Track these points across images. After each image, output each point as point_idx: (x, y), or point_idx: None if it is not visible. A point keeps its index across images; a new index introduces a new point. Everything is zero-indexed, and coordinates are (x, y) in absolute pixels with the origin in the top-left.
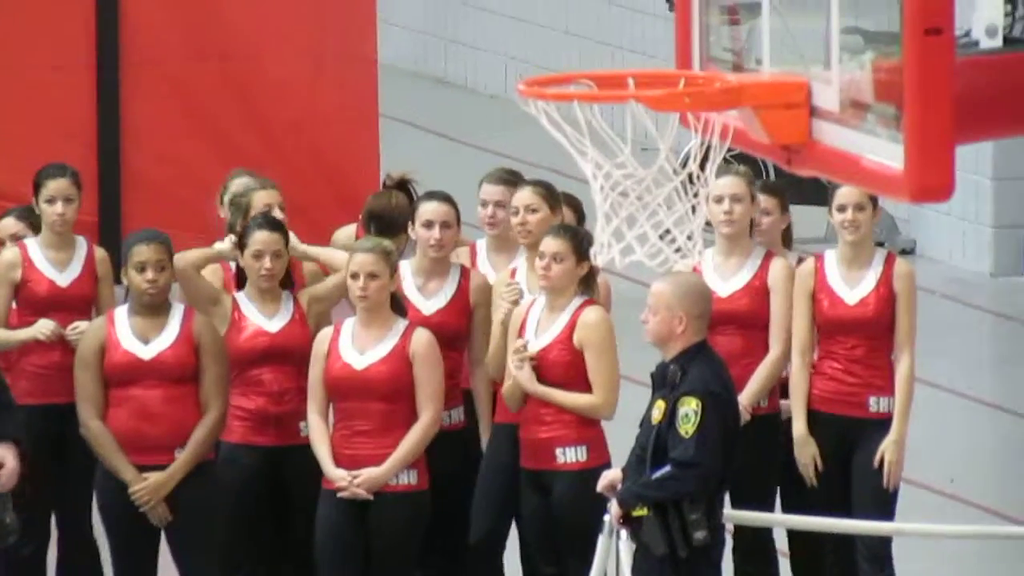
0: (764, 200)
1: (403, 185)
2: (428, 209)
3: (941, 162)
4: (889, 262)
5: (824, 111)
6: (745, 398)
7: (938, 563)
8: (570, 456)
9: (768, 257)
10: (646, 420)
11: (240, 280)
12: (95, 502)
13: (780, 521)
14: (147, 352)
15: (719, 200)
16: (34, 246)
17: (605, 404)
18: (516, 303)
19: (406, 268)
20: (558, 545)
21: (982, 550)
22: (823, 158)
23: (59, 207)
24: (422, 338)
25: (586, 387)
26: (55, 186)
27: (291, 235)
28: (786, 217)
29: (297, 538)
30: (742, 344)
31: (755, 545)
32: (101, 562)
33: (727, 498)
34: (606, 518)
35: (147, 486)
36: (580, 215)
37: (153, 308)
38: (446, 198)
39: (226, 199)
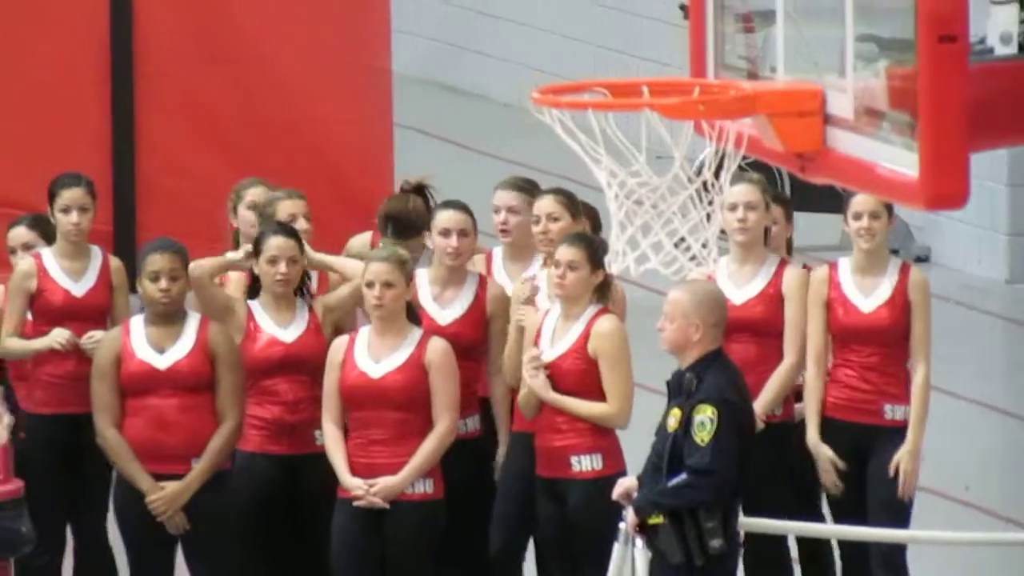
0: (772, 209)
1: (420, 190)
2: (445, 217)
3: (956, 169)
4: (904, 271)
5: (838, 119)
6: (759, 406)
7: (953, 570)
8: (585, 464)
9: (782, 265)
10: (662, 428)
11: (254, 289)
12: (111, 511)
13: (794, 529)
14: (163, 362)
15: (733, 208)
16: (49, 256)
17: (619, 413)
18: (531, 301)
19: (423, 277)
20: (574, 553)
21: (997, 557)
22: (837, 166)
23: (74, 216)
24: (438, 347)
25: (601, 395)
26: (70, 195)
27: (307, 244)
28: (790, 227)
29: (313, 546)
30: (756, 352)
31: (769, 553)
32: (117, 571)
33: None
34: (622, 526)
35: (164, 495)
36: (596, 224)
37: (167, 317)
38: (463, 207)
39: (239, 207)
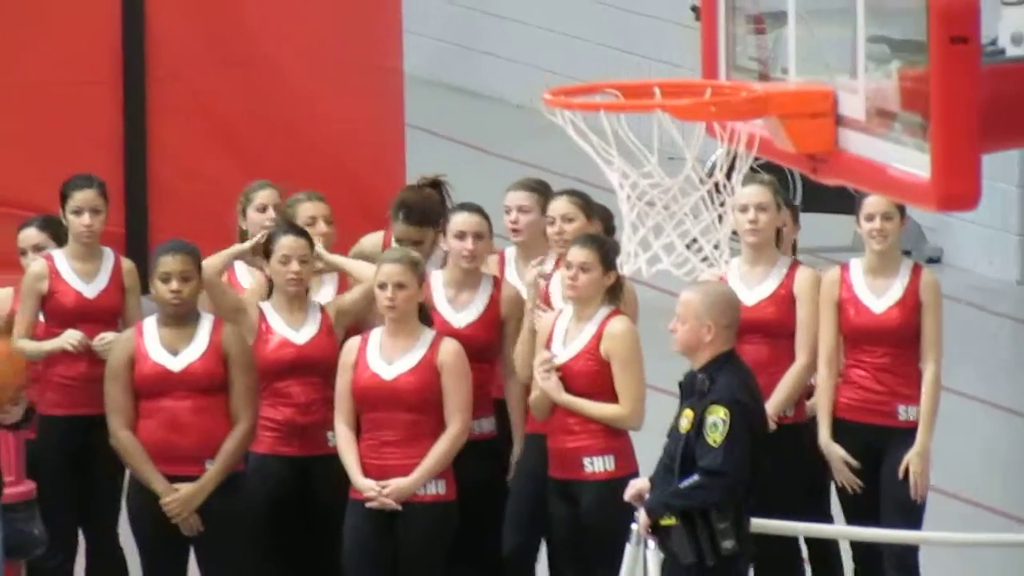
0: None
1: (436, 185)
2: (460, 220)
3: (967, 170)
4: (916, 272)
5: (850, 120)
6: (771, 407)
7: (965, 572)
8: (598, 465)
9: (794, 266)
10: (674, 429)
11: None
12: (124, 513)
13: (805, 530)
14: (176, 364)
15: (744, 209)
16: (61, 257)
17: (632, 415)
18: (543, 275)
19: (437, 279)
20: (585, 554)
21: (1009, 558)
22: (849, 167)
23: (86, 218)
24: (450, 348)
25: (613, 397)
26: (82, 197)
27: (318, 245)
28: (797, 228)
29: (325, 548)
30: (768, 353)
31: (780, 554)
32: (128, 573)
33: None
34: (634, 527)
35: (178, 497)
36: (610, 226)
37: (180, 319)
38: (478, 209)
39: (249, 210)
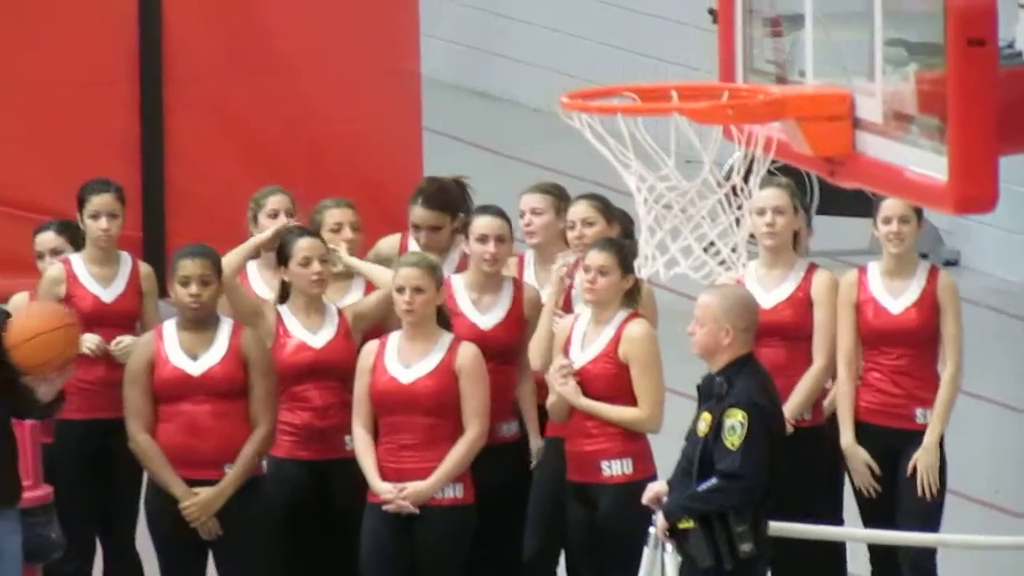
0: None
1: (457, 181)
2: (482, 223)
3: (984, 173)
4: (933, 274)
5: (867, 123)
6: (788, 410)
7: (982, 574)
8: (616, 469)
9: (811, 269)
10: (692, 432)
11: (283, 295)
12: (142, 517)
13: (822, 533)
14: (196, 368)
15: (761, 212)
16: (78, 262)
17: (651, 418)
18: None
19: (459, 282)
20: (603, 558)
21: None
22: (866, 170)
23: (103, 222)
24: (468, 352)
25: (631, 400)
26: (99, 201)
27: (342, 249)
28: (810, 231)
29: (343, 551)
30: (785, 356)
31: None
32: None
33: None
34: (652, 531)
35: (198, 501)
36: (629, 230)
37: (200, 323)
38: (500, 212)
39: (260, 216)
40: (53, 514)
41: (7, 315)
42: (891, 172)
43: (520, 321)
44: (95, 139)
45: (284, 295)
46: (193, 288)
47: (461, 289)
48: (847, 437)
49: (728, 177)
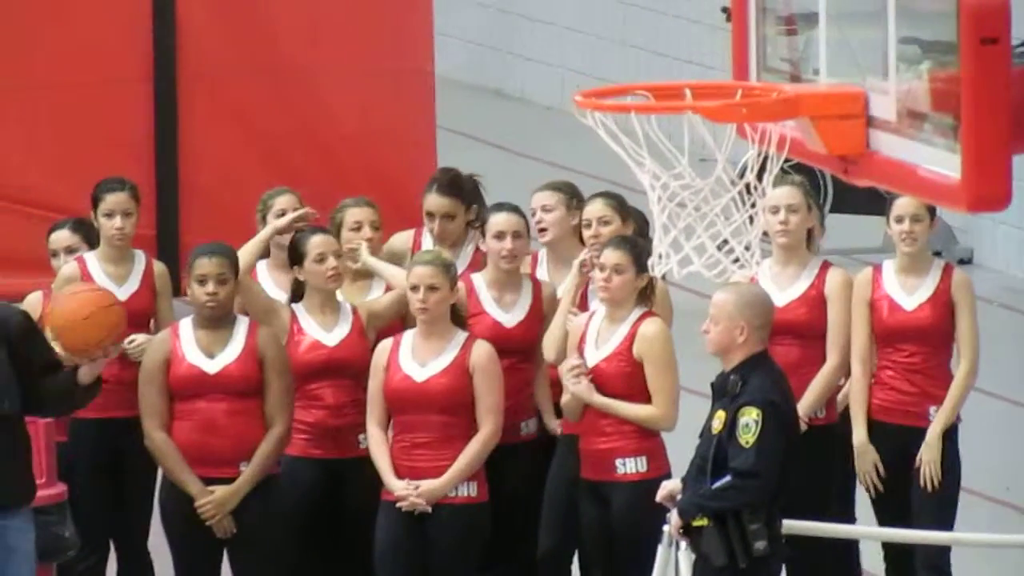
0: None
1: (471, 177)
2: (499, 220)
3: (998, 171)
4: (947, 272)
5: (881, 121)
6: (802, 408)
7: (996, 573)
8: (630, 467)
9: (825, 267)
10: (706, 430)
11: (296, 293)
12: (155, 516)
13: (836, 531)
14: (212, 366)
15: (775, 210)
16: (92, 260)
17: (665, 416)
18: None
19: (479, 281)
20: (617, 556)
21: None
22: (880, 168)
23: (118, 221)
24: (482, 350)
25: (646, 398)
26: (114, 200)
27: (363, 248)
28: (822, 229)
29: (357, 549)
30: (799, 354)
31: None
32: None
33: None
34: (666, 529)
35: (213, 500)
36: (643, 228)
37: (216, 321)
38: (516, 209)
39: (269, 216)
40: (67, 513)
41: (26, 315)
42: (905, 170)
43: (541, 317)
44: (109, 138)
45: (297, 295)
46: (210, 287)
47: (482, 288)
48: (860, 435)
49: (742, 175)
